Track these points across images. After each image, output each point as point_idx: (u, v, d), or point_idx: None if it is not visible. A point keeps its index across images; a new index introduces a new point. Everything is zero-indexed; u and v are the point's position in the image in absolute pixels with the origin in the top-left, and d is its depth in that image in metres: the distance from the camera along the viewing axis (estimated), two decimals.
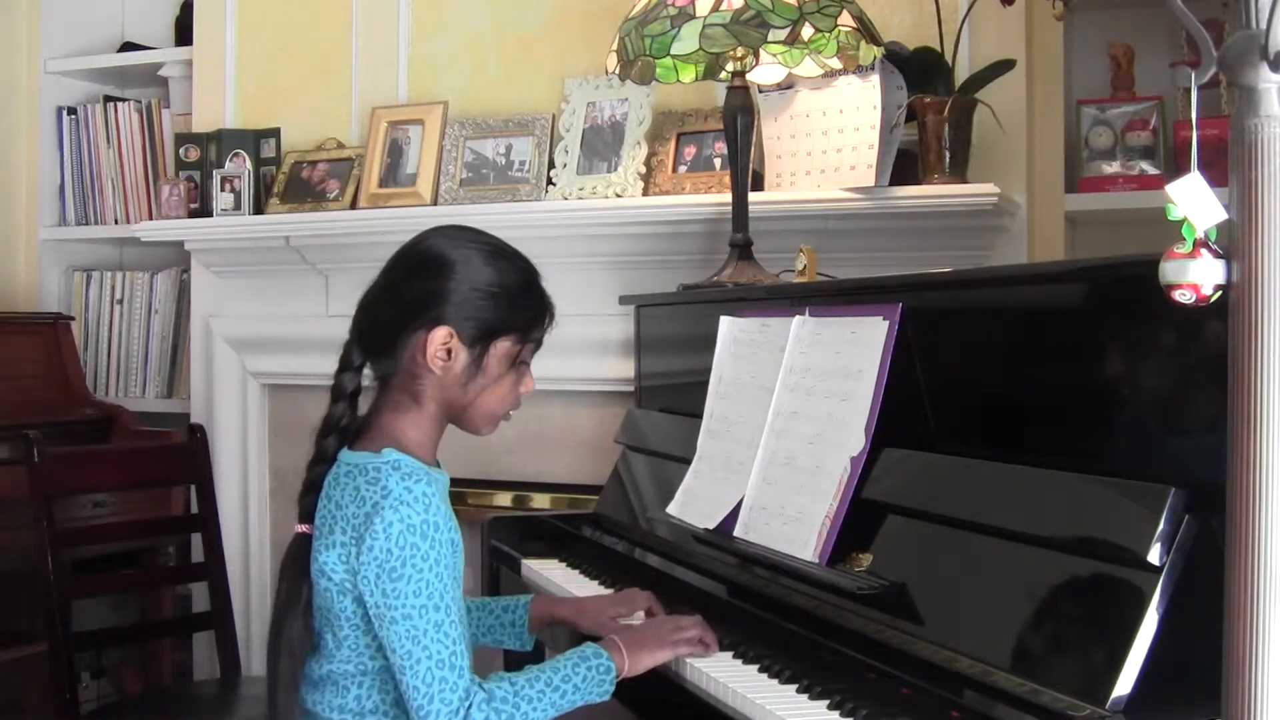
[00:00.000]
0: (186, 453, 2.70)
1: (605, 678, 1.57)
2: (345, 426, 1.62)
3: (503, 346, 1.59)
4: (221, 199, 3.19)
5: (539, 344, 1.64)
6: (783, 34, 2.16)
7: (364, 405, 1.64)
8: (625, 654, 1.60)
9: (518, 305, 1.59)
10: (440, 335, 1.55)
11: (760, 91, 2.53)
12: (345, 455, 1.59)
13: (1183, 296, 1.10)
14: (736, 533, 1.83)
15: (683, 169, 2.77)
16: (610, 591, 2.02)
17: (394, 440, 1.57)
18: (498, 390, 1.60)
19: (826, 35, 2.18)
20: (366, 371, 1.63)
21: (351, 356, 1.62)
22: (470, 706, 1.47)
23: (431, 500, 1.50)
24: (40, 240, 3.71)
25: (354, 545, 1.50)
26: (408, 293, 1.59)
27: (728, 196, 2.46)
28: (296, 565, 1.59)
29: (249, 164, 3.22)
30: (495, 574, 2.38)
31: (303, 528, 1.60)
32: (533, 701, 1.51)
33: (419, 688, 1.46)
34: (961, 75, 2.46)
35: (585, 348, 2.75)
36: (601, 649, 1.59)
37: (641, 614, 1.80)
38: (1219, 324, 1.09)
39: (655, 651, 1.63)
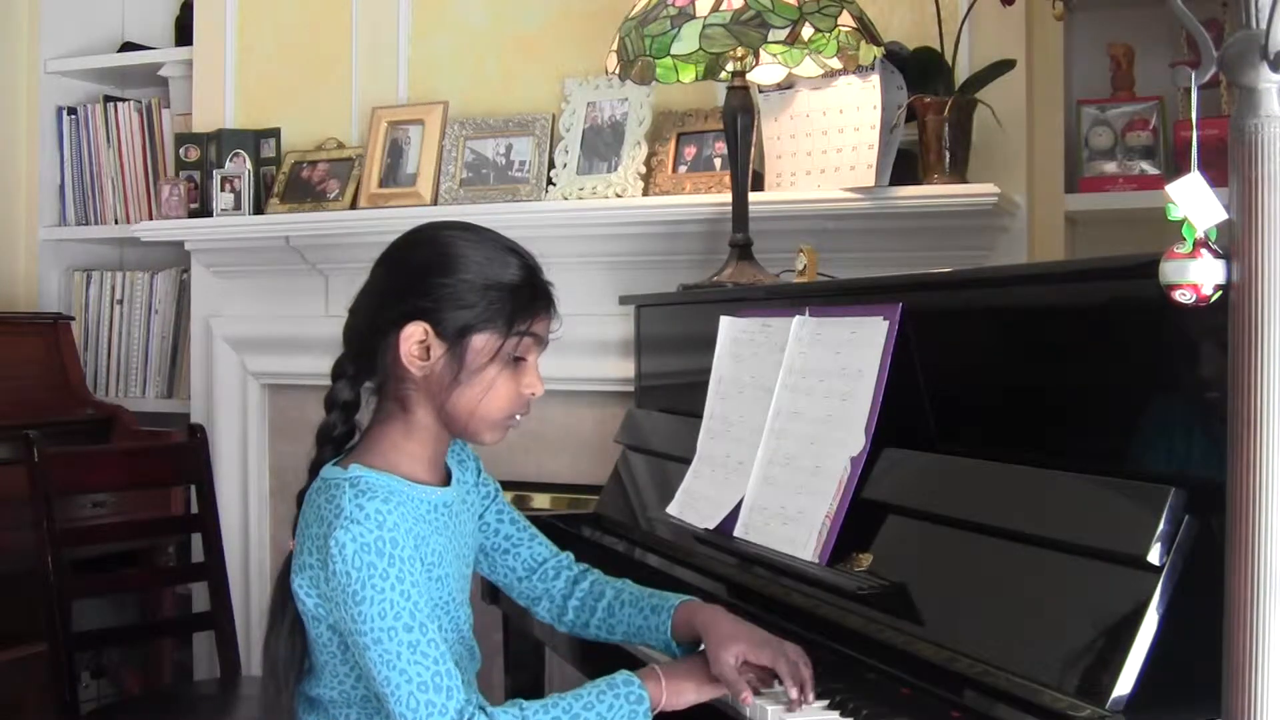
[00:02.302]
0: (186, 453, 2.70)
1: (637, 708, 1.43)
2: (338, 438, 1.53)
3: (481, 339, 1.47)
4: (221, 199, 3.19)
5: (540, 341, 1.52)
6: (783, 34, 2.16)
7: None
8: (664, 684, 1.47)
9: (496, 293, 1.47)
10: (412, 331, 1.46)
11: (760, 91, 2.52)
12: (324, 471, 1.50)
13: (1183, 296, 1.10)
14: (736, 533, 1.83)
15: (683, 169, 2.77)
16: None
17: (379, 454, 1.50)
18: (477, 386, 1.48)
19: (826, 35, 2.18)
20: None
21: (344, 365, 1.54)
22: None
23: (386, 517, 1.40)
24: (40, 240, 3.71)
25: (321, 570, 1.42)
26: (382, 290, 1.51)
27: (728, 196, 2.46)
28: (284, 583, 1.51)
29: (249, 164, 3.22)
30: None
31: (292, 544, 1.52)
32: None
33: (404, 714, 1.37)
34: (961, 75, 2.46)
35: (585, 348, 2.75)
36: (634, 676, 1.46)
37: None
38: (1219, 324, 1.08)
39: (702, 686, 1.48)
